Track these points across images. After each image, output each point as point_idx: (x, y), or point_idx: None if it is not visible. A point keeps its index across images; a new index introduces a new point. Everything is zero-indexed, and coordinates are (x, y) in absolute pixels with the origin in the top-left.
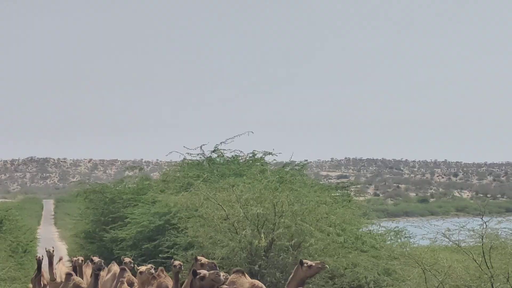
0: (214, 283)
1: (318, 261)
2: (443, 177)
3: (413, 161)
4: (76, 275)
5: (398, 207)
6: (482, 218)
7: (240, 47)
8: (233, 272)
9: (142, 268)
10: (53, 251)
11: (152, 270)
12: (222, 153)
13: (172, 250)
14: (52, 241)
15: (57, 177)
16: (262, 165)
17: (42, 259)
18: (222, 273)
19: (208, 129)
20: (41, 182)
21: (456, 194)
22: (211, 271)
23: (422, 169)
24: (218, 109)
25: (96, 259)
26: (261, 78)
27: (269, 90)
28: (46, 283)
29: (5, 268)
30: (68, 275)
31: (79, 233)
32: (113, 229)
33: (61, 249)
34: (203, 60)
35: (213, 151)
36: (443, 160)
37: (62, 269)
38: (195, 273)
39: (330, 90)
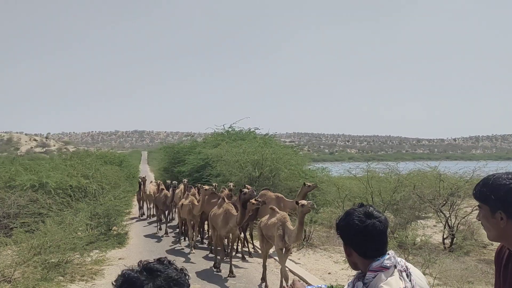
0: (250, 196)
1: (312, 182)
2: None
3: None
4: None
5: (319, 157)
6: (368, 163)
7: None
8: (262, 189)
9: (206, 186)
10: (144, 177)
11: (214, 188)
12: (233, 128)
13: (209, 177)
14: (147, 171)
15: (149, 140)
16: (253, 134)
17: (141, 181)
18: (254, 192)
19: (219, 115)
20: (141, 143)
21: (348, 150)
22: (249, 189)
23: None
24: (223, 100)
25: (186, 180)
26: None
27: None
28: (142, 194)
29: (125, 186)
30: (161, 190)
31: (160, 168)
32: (178, 166)
33: (151, 176)
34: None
35: (229, 127)
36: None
37: (151, 187)
38: (241, 191)
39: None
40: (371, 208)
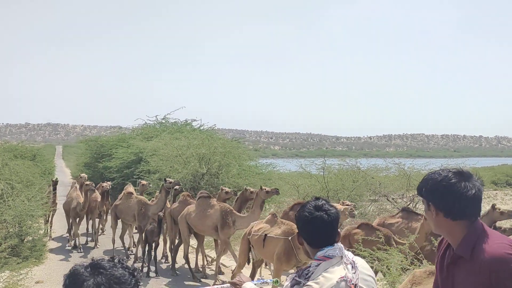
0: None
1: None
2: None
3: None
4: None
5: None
6: (324, 158)
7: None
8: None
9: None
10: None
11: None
12: (167, 119)
13: (141, 173)
14: (62, 167)
15: (63, 134)
16: (191, 127)
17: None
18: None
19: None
20: (55, 136)
21: (271, 147)
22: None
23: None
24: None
25: (143, 182)
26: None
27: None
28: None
29: (41, 184)
30: (129, 194)
31: (80, 164)
32: (104, 162)
33: (67, 172)
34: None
35: (163, 118)
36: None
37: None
38: (224, 190)
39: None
40: (323, 201)
